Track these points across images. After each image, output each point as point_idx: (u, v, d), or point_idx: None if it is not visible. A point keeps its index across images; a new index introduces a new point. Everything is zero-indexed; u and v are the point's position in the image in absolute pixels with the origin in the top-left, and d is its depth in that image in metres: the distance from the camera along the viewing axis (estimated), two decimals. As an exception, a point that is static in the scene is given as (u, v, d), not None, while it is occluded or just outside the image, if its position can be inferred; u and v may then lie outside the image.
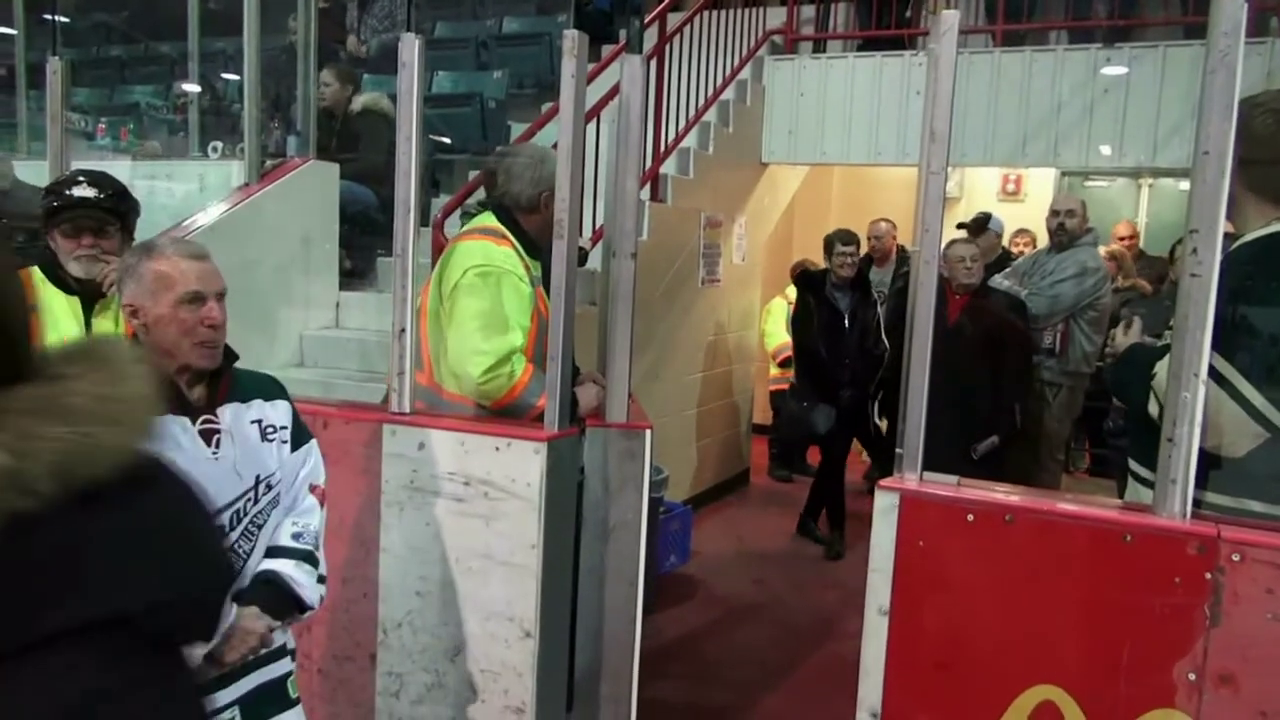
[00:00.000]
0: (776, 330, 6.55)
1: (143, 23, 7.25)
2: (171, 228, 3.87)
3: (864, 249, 5.46)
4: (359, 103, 4.99)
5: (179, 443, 1.71)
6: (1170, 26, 5.71)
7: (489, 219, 2.64)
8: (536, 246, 2.60)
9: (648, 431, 2.44)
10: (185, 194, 4.40)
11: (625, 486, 2.45)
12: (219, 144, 4.71)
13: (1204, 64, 1.71)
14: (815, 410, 4.88)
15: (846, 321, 4.87)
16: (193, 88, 5.07)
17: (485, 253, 2.50)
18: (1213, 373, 1.81)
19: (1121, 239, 5.93)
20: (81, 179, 2.44)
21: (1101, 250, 4.85)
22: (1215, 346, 1.77)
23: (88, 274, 2.43)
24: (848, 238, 4.83)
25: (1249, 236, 1.93)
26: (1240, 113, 1.70)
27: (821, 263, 5.39)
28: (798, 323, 5.09)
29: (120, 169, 3.84)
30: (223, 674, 1.72)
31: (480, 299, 2.44)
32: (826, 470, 5.23)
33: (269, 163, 4.29)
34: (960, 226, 5.39)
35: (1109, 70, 5.59)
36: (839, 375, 4.87)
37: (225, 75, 5.75)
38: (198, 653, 1.63)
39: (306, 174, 4.32)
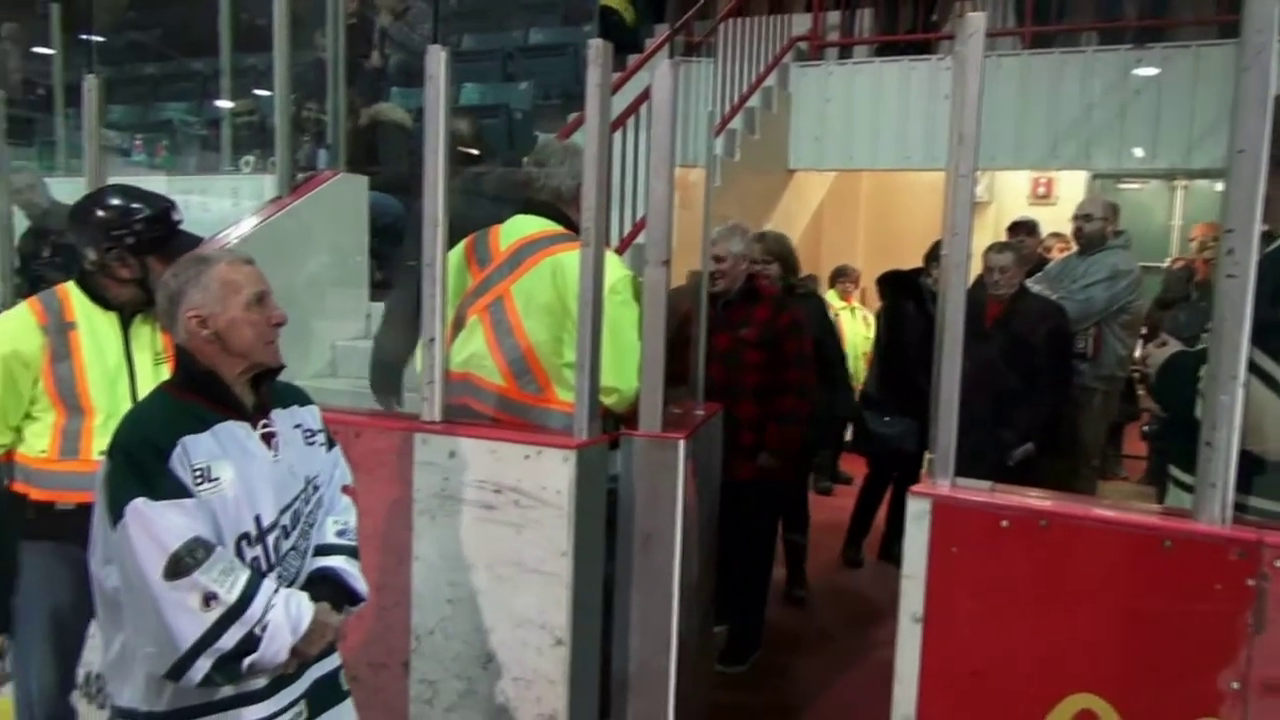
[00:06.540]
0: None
1: (176, 40, 7.38)
2: (208, 241, 3.93)
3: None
4: (366, 115, 5.02)
5: (245, 448, 1.73)
6: (1203, 26, 5.65)
7: (548, 224, 2.60)
8: None
9: (681, 442, 2.43)
10: (220, 208, 4.47)
11: (658, 497, 2.44)
12: (250, 158, 4.78)
13: (1237, 61, 1.69)
14: (905, 427, 4.56)
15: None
16: (225, 103, 5.16)
17: (621, 263, 2.61)
18: (1261, 375, 1.78)
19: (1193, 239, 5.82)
20: (137, 204, 2.37)
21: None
22: (1263, 347, 1.74)
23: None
24: None
25: (1288, 235, 1.91)
26: (1275, 109, 1.68)
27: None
28: (889, 327, 4.77)
29: (156, 184, 3.90)
30: (289, 672, 1.76)
31: (635, 310, 2.50)
32: (900, 488, 4.84)
33: (300, 176, 4.34)
34: (1013, 227, 5.21)
35: (1140, 71, 5.53)
36: (926, 390, 4.64)
37: (257, 91, 5.84)
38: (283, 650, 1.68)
39: (337, 186, 4.37)
